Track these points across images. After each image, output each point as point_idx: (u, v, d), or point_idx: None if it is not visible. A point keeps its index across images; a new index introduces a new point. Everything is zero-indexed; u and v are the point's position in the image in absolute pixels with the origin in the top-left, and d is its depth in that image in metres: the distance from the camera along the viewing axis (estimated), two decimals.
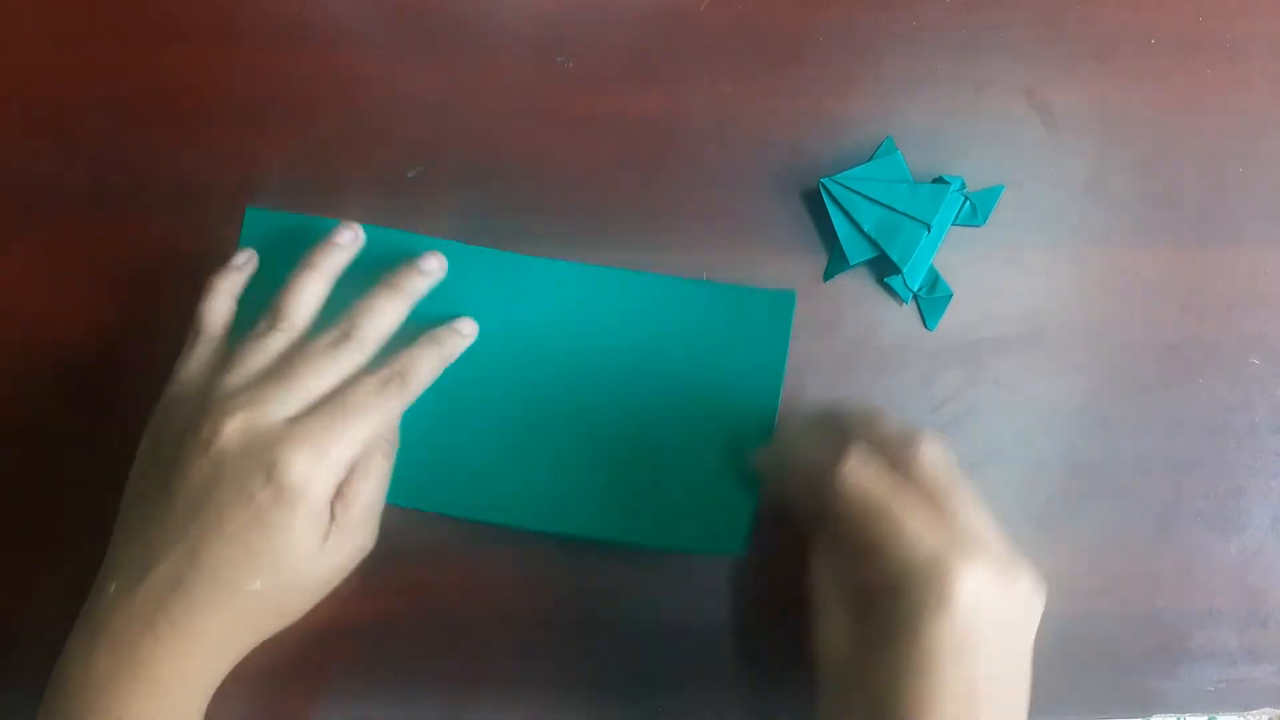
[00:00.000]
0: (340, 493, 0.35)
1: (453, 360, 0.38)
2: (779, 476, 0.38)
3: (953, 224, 0.42)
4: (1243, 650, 0.43)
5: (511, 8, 0.42)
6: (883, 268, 0.42)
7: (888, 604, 0.31)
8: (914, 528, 0.32)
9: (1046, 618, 0.42)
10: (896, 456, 0.34)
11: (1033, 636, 0.34)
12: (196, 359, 0.37)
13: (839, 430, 0.36)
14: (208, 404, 0.34)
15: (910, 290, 0.42)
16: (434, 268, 0.39)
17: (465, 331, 0.39)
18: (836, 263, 0.42)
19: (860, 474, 0.33)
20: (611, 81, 0.42)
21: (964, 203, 0.42)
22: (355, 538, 0.36)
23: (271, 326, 0.36)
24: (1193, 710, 0.43)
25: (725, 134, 0.42)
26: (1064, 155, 0.43)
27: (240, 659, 0.35)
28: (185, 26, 0.41)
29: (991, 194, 0.42)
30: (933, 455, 0.34)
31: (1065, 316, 0.43)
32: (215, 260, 0.39)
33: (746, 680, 0.41)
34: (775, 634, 0.40)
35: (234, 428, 0.33)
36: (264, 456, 0.33)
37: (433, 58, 0.42)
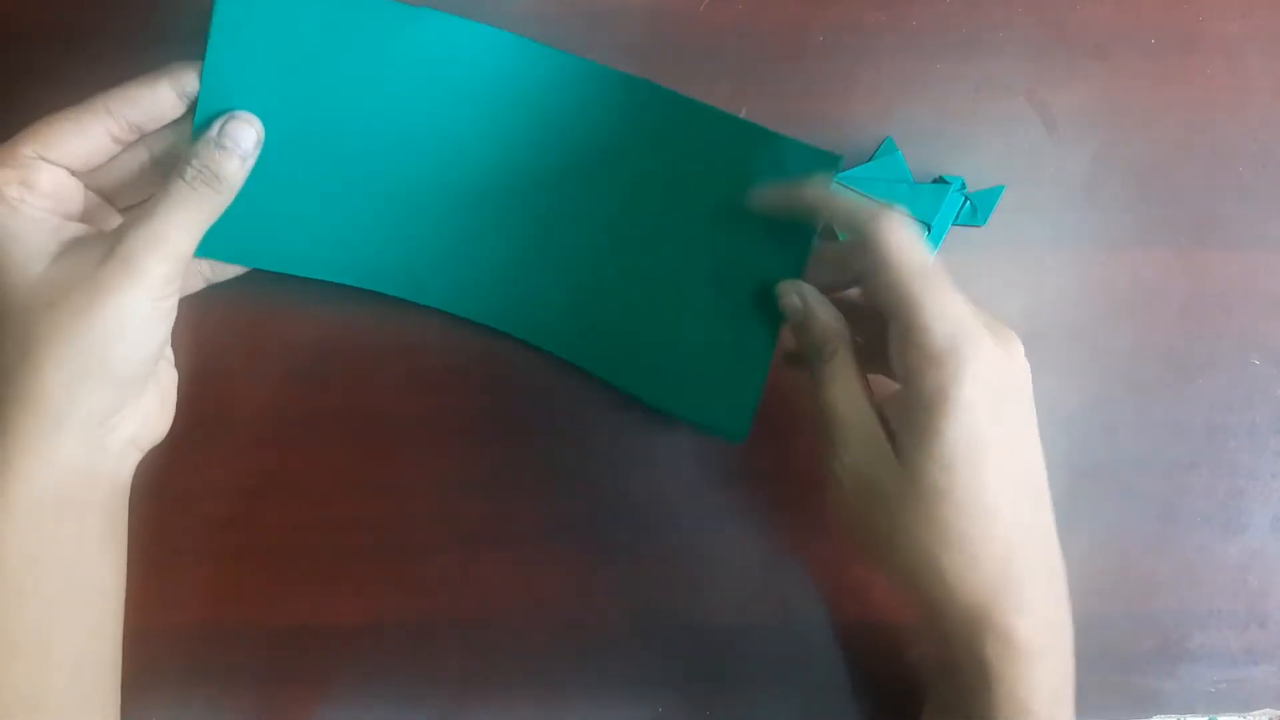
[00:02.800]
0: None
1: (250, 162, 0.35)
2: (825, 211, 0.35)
3: (953, 224, 0.42)
4: (1243, 651, 0.43)
5: (511, 8, 0.42)
6: None
7: (926, 373, 0.32)
8: (954, 294, 0.32)
9: None
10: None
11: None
12: None
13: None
14: None
15: None
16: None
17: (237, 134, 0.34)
18: None
19: (908, 227, 0.32)
20: None
21: (964, 203, 0.42)
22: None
23: None
24: (1193, 711, 0.43)
25: None
26: (1064, 155, 0.43)
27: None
28: (185, 26, 0.41)
29: (992, 194, 0.42)
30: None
31: (1065, 317, 0.43)
32: None
33: (746, 680, 0.41)
34: (775, 633, 0.40)
35: None
36: None
37: None
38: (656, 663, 0.41)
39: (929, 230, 0.41)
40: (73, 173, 0.34)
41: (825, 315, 0.35)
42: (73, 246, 0.33)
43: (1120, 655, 0.42)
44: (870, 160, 0.42)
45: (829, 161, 0.34)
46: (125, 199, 0.36)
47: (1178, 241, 0.43)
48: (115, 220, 0.36)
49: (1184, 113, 0.43)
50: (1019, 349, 0.34)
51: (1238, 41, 0.43)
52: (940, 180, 0.42)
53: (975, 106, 0.43)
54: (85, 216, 0.35)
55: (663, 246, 0.35)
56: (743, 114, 0.36)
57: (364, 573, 0.41)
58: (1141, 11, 0.43)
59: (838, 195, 0.34)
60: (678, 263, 0.35)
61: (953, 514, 0.32)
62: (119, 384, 0.33)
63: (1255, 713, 0.43)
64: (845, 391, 0.34)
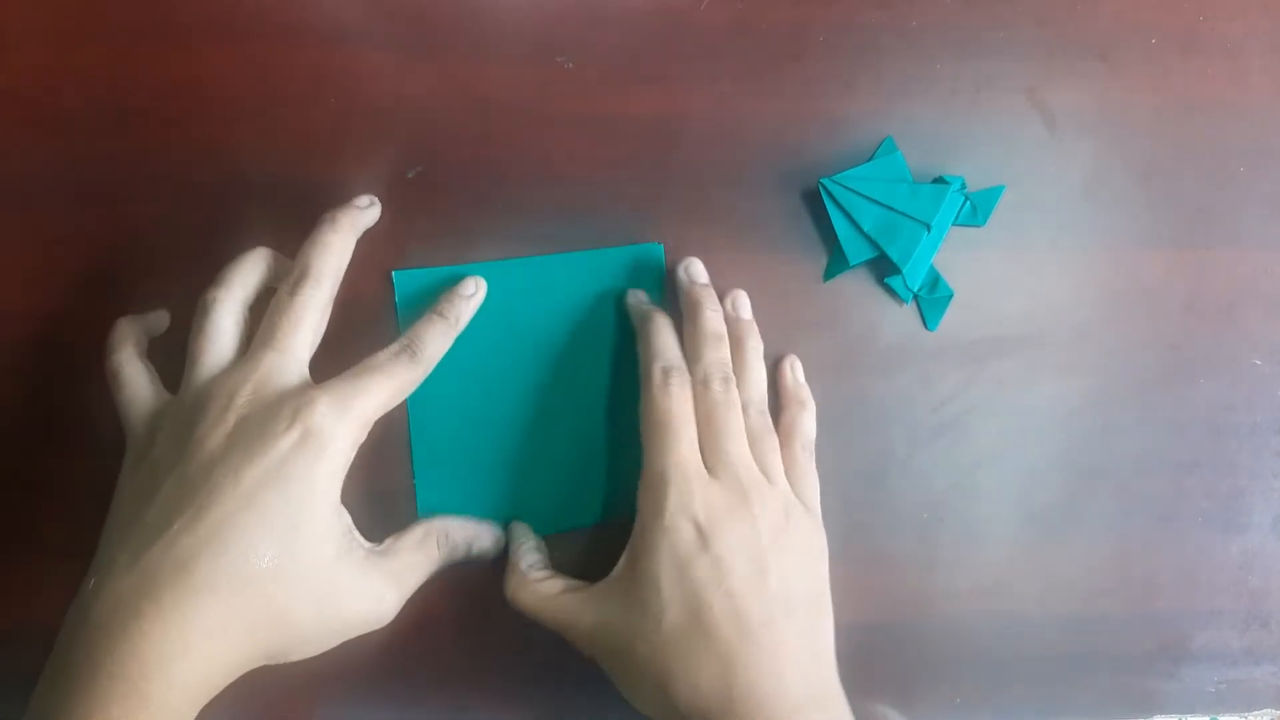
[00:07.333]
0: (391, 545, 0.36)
1: (462, 326, 0.38)
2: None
3: (953, 224, 0.42)
4: (1244, 651, 0.43)
5: (511, 8, 0.42)
6: (883, 268, 0.42)
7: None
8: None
9: (1048, 618, 0.42)
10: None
11: None
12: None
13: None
14: (229, 375, 0.34)
15: (910, 290, 0.42)
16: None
17: (467, 293, 0.39)
18: (836, 263, 0.42)
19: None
20: (611, 81, 0.42)
21: (964, 203, 0.42)
22: (380, 581, 0.35)
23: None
24: (1194, 711, 0.43)
25: (725, 134, 0.42)
26: (1065, 155, 0.43)
27: (232, 677, 0.32)
28: (185, 26, 0.41)
29: (992, 194, 0.42)
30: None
31: (1066, 316, 0.43)
32: (215, 261, 0.39)
33: None
34: None
35: (256, 383, 0.33)
36: (288, 405, 0.32)
37: (433, 57, 0.42)
38: None
39: (929, 230, 0.41)
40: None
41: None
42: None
43: (1121, 655, 0.42)
44: (870, 160, 0.42)
45: (652, 252, 0.40)
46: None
47: (1178, 241, 0.43)
48: None
49: (1184, 113, 0.43)
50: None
51: (1238, 41, 0.43)
52: (940, 180, 0.42)
53: (975, 106, 0.43)
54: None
55: (586, 381, 0.40)
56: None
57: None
58: (1141, 11, 0.43)
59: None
60: (600, 386, 0.40)
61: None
62: None
63: (1256, 713, 0.43)
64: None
